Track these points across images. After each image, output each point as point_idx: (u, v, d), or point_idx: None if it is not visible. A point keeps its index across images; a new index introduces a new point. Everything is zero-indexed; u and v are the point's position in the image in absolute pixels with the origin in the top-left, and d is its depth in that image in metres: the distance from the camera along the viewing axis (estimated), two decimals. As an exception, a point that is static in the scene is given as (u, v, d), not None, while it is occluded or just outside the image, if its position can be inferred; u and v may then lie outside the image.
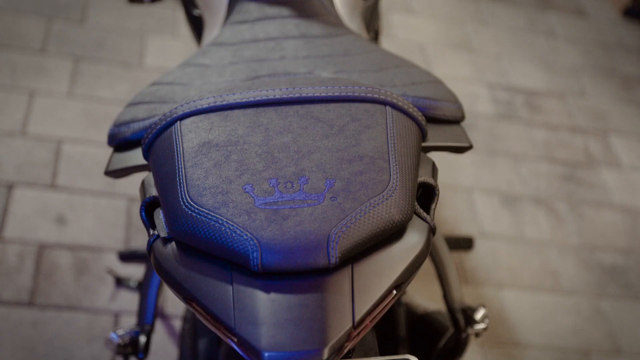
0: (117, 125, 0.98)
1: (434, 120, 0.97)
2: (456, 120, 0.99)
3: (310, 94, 0.86)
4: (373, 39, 1.69)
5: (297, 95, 0.86)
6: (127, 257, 1.68)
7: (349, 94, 0.87)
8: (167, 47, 2.42)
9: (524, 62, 2.77)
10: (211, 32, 1.28)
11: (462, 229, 2.11)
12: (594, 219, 2.26)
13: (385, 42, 2.70)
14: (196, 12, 1.40)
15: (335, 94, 0.87)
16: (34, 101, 2.14)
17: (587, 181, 2.37)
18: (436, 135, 0.94)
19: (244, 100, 0.86)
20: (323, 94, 0.86)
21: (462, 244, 1.78)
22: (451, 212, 2.14)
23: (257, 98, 0.86)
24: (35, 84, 2.19)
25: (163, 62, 2.36)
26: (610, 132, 2.57)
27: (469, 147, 0.95)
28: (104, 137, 2.09)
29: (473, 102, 2.54)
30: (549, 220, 2.22)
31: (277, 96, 0.86)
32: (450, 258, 1.23)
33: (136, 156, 0.95)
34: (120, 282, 1.75)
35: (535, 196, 2.28)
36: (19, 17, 2.37)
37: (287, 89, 0.88)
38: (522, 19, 2.97)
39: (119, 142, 0.96)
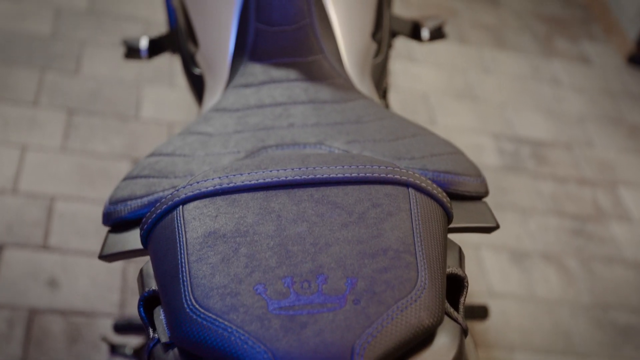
0: (113, 202, 0.89)
1: (456, 197, 0.90)
2: (479, 196, 0.91)
3: (325, 175, 0.78)
4: (382, 97, 1.62)
5: (310, 176, 0.78)
6: (122, 328, 1.59)
7: (367, 174, 0.79)
8: (164, 98, 2.35)
9: (529, 111, 2.71)
10: (213, 95, 1.21)
11: (471, 288, 2.03)
12: (606, 275, 2.18)
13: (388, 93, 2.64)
14: (197, 70, 1.33)
15: (353, 174, 0.79)
16: (26, 156, 2.06)
17: (597, 236, 2.30)
18: (459, 214, 0.87)
19: (252, 182, 0.78)
20: (339, 175, 0.78)
21: (477, 313, 1.69)
22: (459, 271, 2.06)
23: (267, 180, 0.78)
24: (28, 138, 2.11)
25: (160, 114, 2.29)
26: (619, 184, 2.50)
27: (496, 228, 0.88)
28: (98, 194, 2.01)
29: (478, 153, 2.47)
30: (559, 278, 2.14)
31: (289, 177, 0.78)
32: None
33: (134, 238, 0.86)
34: (115, 349, 1.66)
35: (545, 252, 2.20)
36: (11, 68, 2.31)
37: (299, 168, 0.80)
38: (526, 67, 2.91)
39: (115, 222, 0.88)
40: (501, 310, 2.00)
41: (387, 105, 1.64)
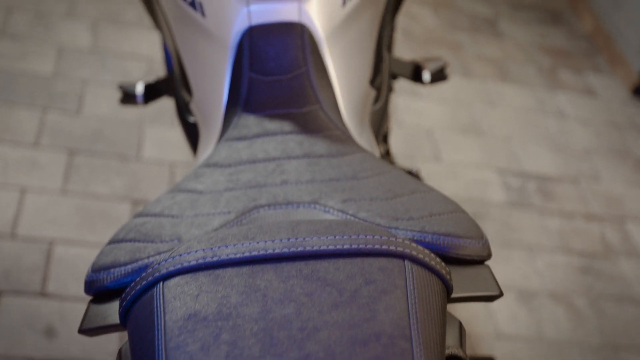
0: (96, 270, 0.85)
1: (456, 261, 0.85)
2: (481, 259, 0.86)
3: (315, 247, 0.74)
4: (383, 141, 1.60)
5: (300, 248, 0.74)
6: None
7: (360, 246, 0.74)
8: (166, 138, 2.33)
9: (535, 145, 2.68)
10: (206, 146, 1.19)
11: (478, 330, 1.99)
12: (616, 314, 2.14)
13: (392, 128, 2.61)
14: (191, 119, 1.31)
15: (345, 246, 0.74)
16: (25, 199, 2.04)
17: (606, 273, 2.26)
18: (459, 281, 0.82)
19: (238, 255, 0.73)
20: (330, 247, 0.73)
21: None
22: (465, 314, 2.03)
23: (254, 253, 0.73)
24: (27, 181, 2.09)
25: (161, 154, 2.27)
26: (627, 219, 2.47)
27: (499, 296, 0.82)
28: (98, 237, 1.99)
29: (484, 189, 2.44)
30: (568, 318, 2.10)
31: (277, 250, 0.73)
32: None
33: (116, 312, 0.82)
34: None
35: (553, 291, 2.16)
36: (13, 109, 2.29)
37: (288, 239, 0.75)
38: (531, 100, 2.89)
39: (97, 292, 0.83)
40: (509, 352, 1.96)
41: (388, 150, 1.62)
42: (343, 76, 1.19)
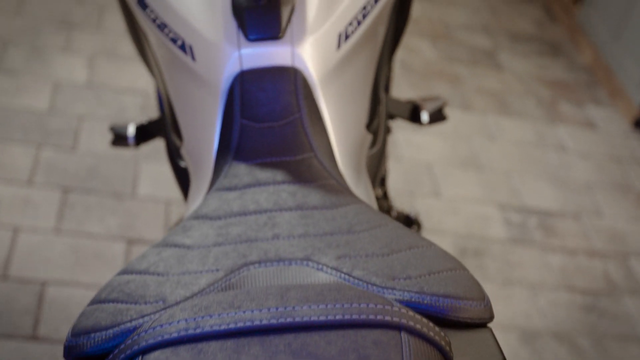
0: (76, 334, 0.81)
1: (457, 324, 0.81)
2: (483, 322, 0.82)
3: (305, 318, 0.69)
4: (381, 184, 1.57)
5: (289, 319, 0.69)
6: None
7: (353, 316, 0.69)
8: (162, 175, 2.30)
9: (536, 179, 2.65)
10: (196, 194, 1.16)
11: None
12: (620, 355, 2.09)
13: (391, 163, 2.59)
14: (182, 163, 1.28)
15: (337, 317, 0.69)
16: (18, 239, 2.01)
17: (609, 312, 2.22)
18: (460, 348, 0.77)
19: (222, 327, 0.69)
20: (322, 318, 0.69)
21: None
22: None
23: (240, 324, 0.69)
24: (20, 220, 2.06)
25: (157, 191, 2.24)
26: (630, 255, 2.43)
27: None
28: (92, 278, 1.96)
29: (484, 225, 2.41)
30: (572, 358, 2.05)
31: (265, 321, 0.69)
32: None
33: None
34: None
35: (556, 331, 2.12)
36: (6, 146, 2.27)
37: (277, 309, 0.71)
38: (531, 133, 2.86)
39: (77, 358, 0.79)
40: (510, 395, 1.92)
41: (385, 193, 1.58)
42: (338, 122, 1.16)
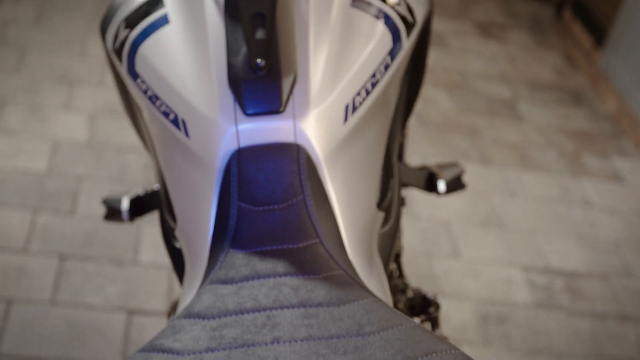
0: None
1: None
2: None
3: None
4: (395, 260, 1.44)
5: None
6: None
7: None
8: (165, 240, 2.18)
9: (560, 238, 2.51)
10: (190, 283, 1.03)
11: None
12: None
13: (407, 221, 2.46)
14: (177, 244, 1.16)
15: None
16: (11, 312, 1.89)
17: (644, 383, 2.07)
18: None
19: None
20: None
21: None
22: None
23: None
24: (14, 291, 1.94)
25: (159, 257, 2.12)
26: (664, 319, 2.28)
27: None
28: (88, 354, 1.83)
29: (508, 289, 2.27)
30: None
31: None
32: None
33: None
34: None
35: (587, 406, 1.97)
36: (2, 211, 2.16)
37: None
38: (554, 188, 2.73)
39: None
40: None
41: (400, 271, 1.46)
42: (346, 203, 1.04)
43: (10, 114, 2.51)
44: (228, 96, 1.00)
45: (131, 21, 1.18)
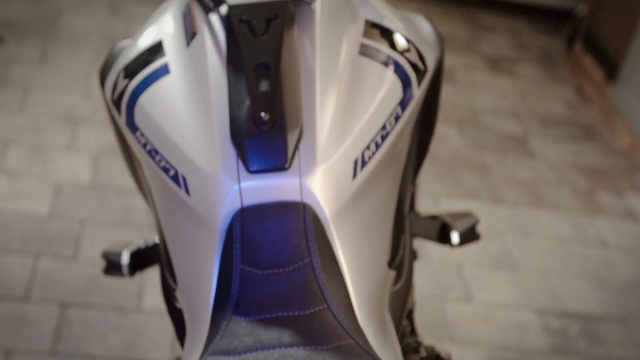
0: None
1: None
2: None
3: None
4: (407, 317, 1.37)
5: None
6: None
7: None
8: (169, 285, 2.12)
9: (575, 279, 2.44)
10: (190, 351, 0.97)
11: None
12: None
13: (418, 265, 2.39)
14: (178, 304, 1.10)
15: None
16: (9, 364, 1.83)
17: None
18: None
19: None
20: None
21: None
22: None
23: None
24: (14, 341, 1.88)
25: (163, 304, 2.05)
26: (685, 365, 2.20)
27: None
28: (88, 409, 1.76)
29: (522, 333, 2.20)
30: None
31: None
32: None
33: None
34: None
35: None
36: (2, 256, 2.10)
37: None
38: (568, 228, 2.66)
39: None
40: None
41: (412, 328, 1.39)
42: (355, 265, 0.98)
43: (13, 155, 2.46)
44: (230, 152, 0.95)
45: (130, 70, 1.13)
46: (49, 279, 2.07)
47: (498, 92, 3.42)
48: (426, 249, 2.43)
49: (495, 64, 3.64)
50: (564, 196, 2.81)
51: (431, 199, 2.65)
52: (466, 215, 1.40)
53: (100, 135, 2.62)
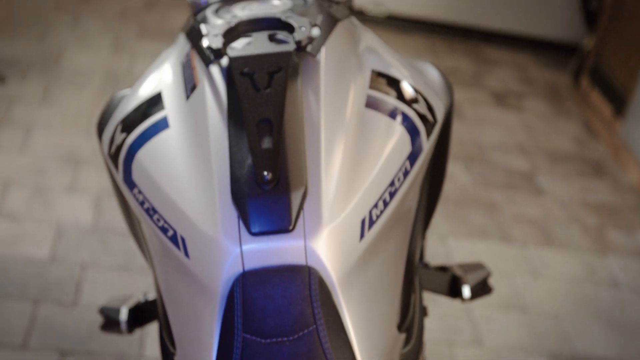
0: None
1: None
2: None
3: None
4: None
5: None
6: None
7: None
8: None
9: (588, 321, 2.38)
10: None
11: None
12: None
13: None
14: (171, 348, 1.05)
15: None
16: (7, 417, 1.78)
17: None
18: None
19: None
20: None
21: None
22: None
23: None
24: (11, 392, 1.83)
25: None
26: (702, 411, 2.14)
27: None
28: None
29: (534, 380, 2.14)
30: None
31: None
32: None
33: None
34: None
35: None
36: (1, 302, 2.06)
37: None
38: (579, 267, 2.61)
39: None
40: None
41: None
42: (363, 331, 0.93)
43: (14, 196, 2.43)
44: (231, 213, 0.91)
45: (128, 123, 1.09)
46: (48, 325, 2.02)
47: (505, 127, 3.38)
48: (437, 304, 2.38)
49: (501, 99, 3.61)
50: (573, 234, 2.76)
51: (438, 238, 2.60)
52: (477, 267, 1.35)
53: (102, 176, 2.59)
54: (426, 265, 1.36)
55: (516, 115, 3.50)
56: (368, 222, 0.94)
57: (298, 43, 0.97)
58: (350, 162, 0.96)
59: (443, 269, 1.35)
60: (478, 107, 3.50)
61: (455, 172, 2.99)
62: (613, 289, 2.54)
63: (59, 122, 2.82)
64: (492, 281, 2.46)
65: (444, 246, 2.58)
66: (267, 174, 0.90)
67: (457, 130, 3.28)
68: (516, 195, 2.92)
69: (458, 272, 1.32)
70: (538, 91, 3.77)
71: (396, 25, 4.05)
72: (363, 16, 3.94)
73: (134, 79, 3.14)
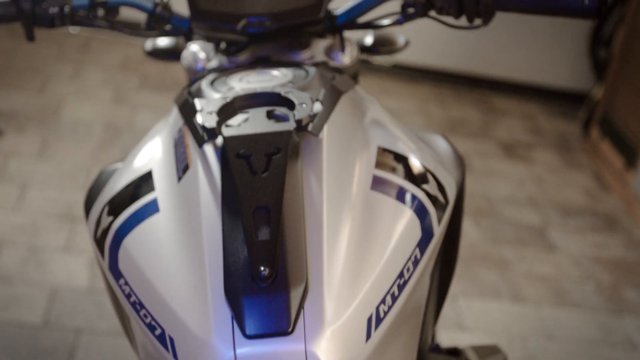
0: None
1: None
2: None
3: None
4: None
5: None
6: None
7: None
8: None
9: (604, 387, 2.27)
10: None
11: None
12: None
13: None
14: None
15: None
16: None
17: None
18: None
19: None
20: None
21: None
22: None
23: None
24: None
25: None
26: None
27: None
28: None
29: None
30: None
31: None
32: None
33: None
34: None
35: None
36: (-10, 373, 1.97)
37: None
38: (594, 328, 2.51)
39: None
40: None
41: None
42: None
43: (7, 257, 2.34)
44: (225, 312, 0.82)
45: (115, 206, 1.01)
46: (39, 397, 1.93)
47: (514, 179, 3.30)
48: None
49: (510, 150, 3.53)
50: (587, 293, 2.67)
51: (448, 299, 2.49)
52: (492, 350, 1.27)
53: (99, 234, 2.50)
54: (437, 348, 1.28)
55: (525, 166, 3.42)
56: (375, 320, 0.85)
57: (299, 122, 0.90)
58: (355, 252, 0.87)
59: (455, 352, 1.26)
60: (486, 159, 3.42)
61: (464, 228, 2.90)
62: (630, 350, 2.44)
63: (56, 177, 2.75)
64: (505, 344, 2.35)
65: (455, 307, 2.48)
66: (264, 269, 0.81)
67: (466, 183, 3.19)
68: (527, 252, 2.83)
69: (471, 356, 1.23)
70: (547, 142, 3.69)
71: (403, 74, 3.99)
72: (369, 65, 3.88)
73: (135, 132, 3.07)
